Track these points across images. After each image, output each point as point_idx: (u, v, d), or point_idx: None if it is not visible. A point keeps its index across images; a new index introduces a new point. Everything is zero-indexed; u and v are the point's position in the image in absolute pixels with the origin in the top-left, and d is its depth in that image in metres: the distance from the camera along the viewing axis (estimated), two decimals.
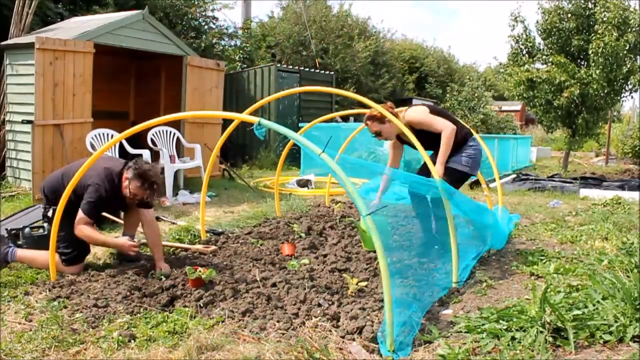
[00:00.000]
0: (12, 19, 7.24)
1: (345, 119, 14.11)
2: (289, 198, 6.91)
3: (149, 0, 10.23)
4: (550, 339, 2.33)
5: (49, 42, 5.86)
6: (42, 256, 3.62)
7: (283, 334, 2.59)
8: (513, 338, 2.38)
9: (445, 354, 2.30)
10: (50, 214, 3.67)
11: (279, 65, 12.88)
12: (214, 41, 12.39)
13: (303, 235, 4.72)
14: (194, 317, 2.78)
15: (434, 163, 3.77)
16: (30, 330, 2.63)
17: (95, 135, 6.31)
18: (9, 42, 6.94)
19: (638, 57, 10.17)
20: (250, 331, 2.61)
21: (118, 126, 7.24)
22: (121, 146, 6.63)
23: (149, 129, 6.01)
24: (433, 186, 3.53)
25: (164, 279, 3.40)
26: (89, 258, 3.99)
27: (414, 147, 3.71)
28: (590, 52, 9.74)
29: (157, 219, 5.47)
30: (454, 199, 3.59)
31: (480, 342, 2.41)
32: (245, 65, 13.90)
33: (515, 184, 9.08)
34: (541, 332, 2.34)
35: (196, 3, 12.28)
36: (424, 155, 3.73)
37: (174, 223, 5.29)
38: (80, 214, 3.51)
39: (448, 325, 2.72)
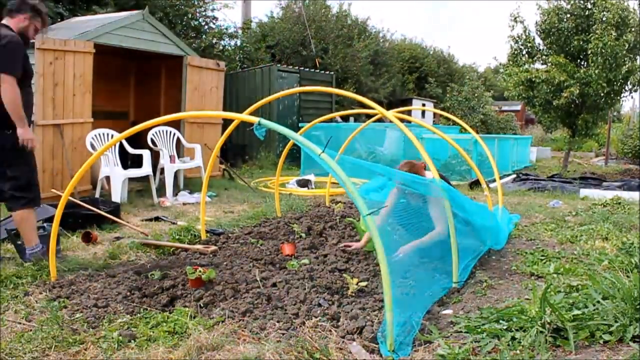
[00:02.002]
0: None
1: (345, 119, 14.13)
2: (289, 198, 6.91)
3: (149, 0, 10.22)
4: (550, 339, 2.33)
5: (49, 42, 5.87)
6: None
7: (283, 334, 2.59)
8: (513, 338, 2.38)
9: (445, 354, 2.30)
10: None
11: (279, 65, 12.88)
12: (214, 41, 12.39)
13: (303, 235, 4.71)
14: (194, 317, 2.77)
15: None
16: (30, 330, 2.63)
17: (95, 135, 6.31)
18: None
19: (637, 57, 10.17)
20: (250, 331, 2.61)
21: (118, 126, 7.24)
22: (121, 146, 6.63)
23: (149, 129, 6.01)
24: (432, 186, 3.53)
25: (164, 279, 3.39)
26: (89, 257, 4.00)
27: None
28: (589, 52, 9.74)
29: (157, 219, 5.49)
30: (454, 200, 3.59)
31: (480, 342, 2.41)
32: (245, 65, 13.89)
33: (515, 184, 9.09)
34: (541, 332, 2.34)
35: (196, 3, 12.28)
36: (426, 157, 3.74)
37: (174, 223, 5.29)
38: (3, 77, 3.41)
39: (448, 325, 2.72)
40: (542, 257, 4.02)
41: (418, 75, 23.29)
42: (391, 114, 4.15)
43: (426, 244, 3.65)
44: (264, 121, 2.80)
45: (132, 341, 2.50)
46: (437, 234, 3.67)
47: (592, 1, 10.14)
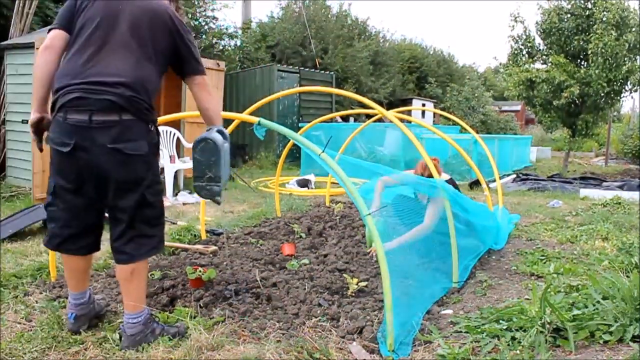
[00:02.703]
0: (12, 19, 7.24)
1: (345, 119, 14.13)
2: (289, 198, 6.90)
3: None
4: (550, 339, 2.33)
5: None
6: None
7: (283, 334, 2.59)
8: (513, 338, 2.38)
9: (445, 354, 2.30)
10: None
11: (279, 65, 12.89)
12: (214, 41, 12.40)
13: (303, 235, 4.72)
14: (194, 317, 2.77)
15: None
16: (30, 330, 2.63)
17: None
18: (9, 42, 6.94)
19: (637, 57, 10.17)
20: (250, 331, 2.61)
21: None
22: None
23: None
24: (433, 186, 3.54)
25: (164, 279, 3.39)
26: None
27: None
28: (589, 52, 9.75)
29: None
30: (454, 200, 3.59)
31: (480, 342, 2.41)
32: (245, 65, 13.90)
33: (515, 184, 9.09)
34: (541, 332, 2.34)
35: (196, 3, 12.28)
36: (426, 157, 3.74)
37: (174, 223, 5.29)
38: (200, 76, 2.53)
39: (448, 325, 2.72)
40: (542, 257, 4.02)
41: (418, 75, 23.27)
42: (391, 114, 4.15)
43: (414, 238, 3.64)
44: (264, 121, 2.80)
45: None
46: (422, 228, 3.69)
47: (592, 1, 10.15)
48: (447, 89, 21.29)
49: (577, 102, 10.52)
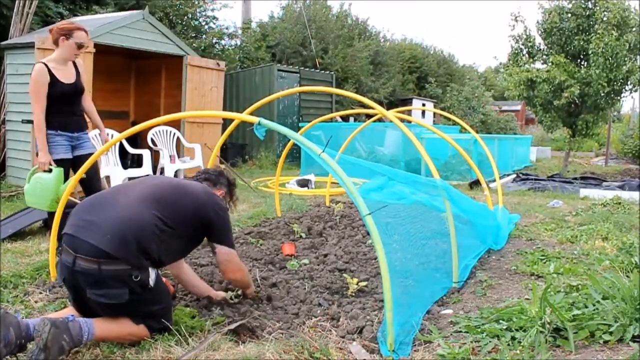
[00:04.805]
0: (12, 19, 7.24)
1: (345, 119, 14.13)
2: (289, 198, 6.90)
3: (149, 0, 10.23)
4: (550, 339, 2.33)
5: (49, 41, 5.85)
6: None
7: (283, 334, 2.59)
8: (513, 338, 2.38)
9: (445, 353, 2.30)
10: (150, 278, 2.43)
11: (279, 65, 12.89)
12: (214, 41, 12.41)
13: (303, 235, 4.72)
14: (194, 317, 2.77)
15: None
16: None
17: (95, 135, 6.31)
18: (9, 42, 6.94)
19: (638, 57, 10.17)
20: (250, 331, 2.61)
21: (118, 126, 7.24)
22: (121, 146, 6.63)
23: (149, 129, 6.01)
24: (433, 186, 3.53)
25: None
26: None
27: None
28: (590, 52, 9.74)
29: None
30: (454, 200, 3.59)
31: (480, 342, 2.41)
32: (245, 65, 13.90)
33: (515, 184, 9.09)
34: (541, 332, 2.34)
35: (196, 3, 12.29)
36: (426, 157, 3.74)
37: None
38: (226, 250, 2.75)
39: (448, 325, 2.72)
40: (542, 257, 4.02)
41: (418, 75, 23.25)
42: (391, 114, 4.15)
43: None
44: (264, 121, 2.80)
45: None
46: None
47: (593, 1, 10.14)
48: (447, 89, 21.28)
49: (577, 102, 10.51)
